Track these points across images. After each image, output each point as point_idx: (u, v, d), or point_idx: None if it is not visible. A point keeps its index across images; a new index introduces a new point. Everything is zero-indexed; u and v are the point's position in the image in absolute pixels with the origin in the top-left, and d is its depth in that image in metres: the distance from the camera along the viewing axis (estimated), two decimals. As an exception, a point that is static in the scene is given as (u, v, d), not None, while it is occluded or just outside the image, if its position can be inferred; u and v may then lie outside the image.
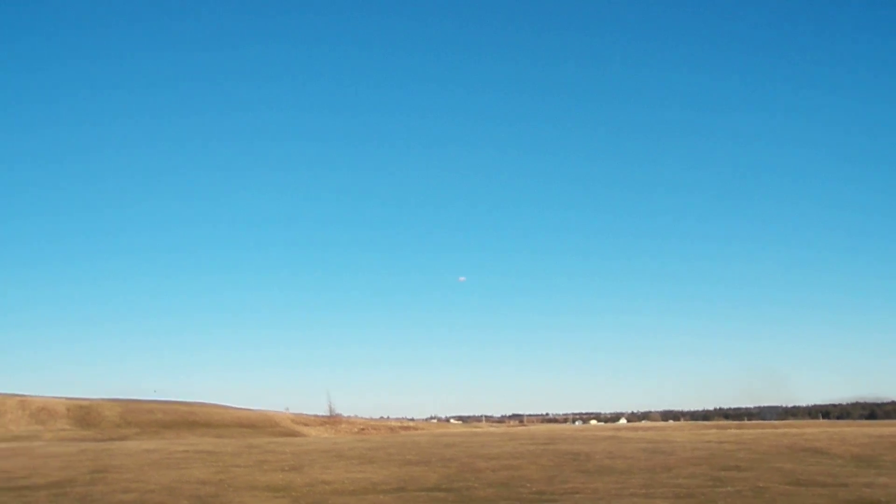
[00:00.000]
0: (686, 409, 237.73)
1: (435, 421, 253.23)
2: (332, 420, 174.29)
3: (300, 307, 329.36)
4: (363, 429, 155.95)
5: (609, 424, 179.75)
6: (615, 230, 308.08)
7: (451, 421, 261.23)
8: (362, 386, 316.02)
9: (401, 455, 37.52)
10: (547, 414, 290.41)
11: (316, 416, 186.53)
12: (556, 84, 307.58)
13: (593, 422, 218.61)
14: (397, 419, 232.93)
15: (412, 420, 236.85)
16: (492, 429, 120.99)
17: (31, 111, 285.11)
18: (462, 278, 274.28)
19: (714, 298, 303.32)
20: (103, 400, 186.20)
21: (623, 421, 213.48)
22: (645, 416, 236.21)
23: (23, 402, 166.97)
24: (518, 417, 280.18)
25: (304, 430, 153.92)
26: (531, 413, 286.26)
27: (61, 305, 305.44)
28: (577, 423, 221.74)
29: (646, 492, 22.17)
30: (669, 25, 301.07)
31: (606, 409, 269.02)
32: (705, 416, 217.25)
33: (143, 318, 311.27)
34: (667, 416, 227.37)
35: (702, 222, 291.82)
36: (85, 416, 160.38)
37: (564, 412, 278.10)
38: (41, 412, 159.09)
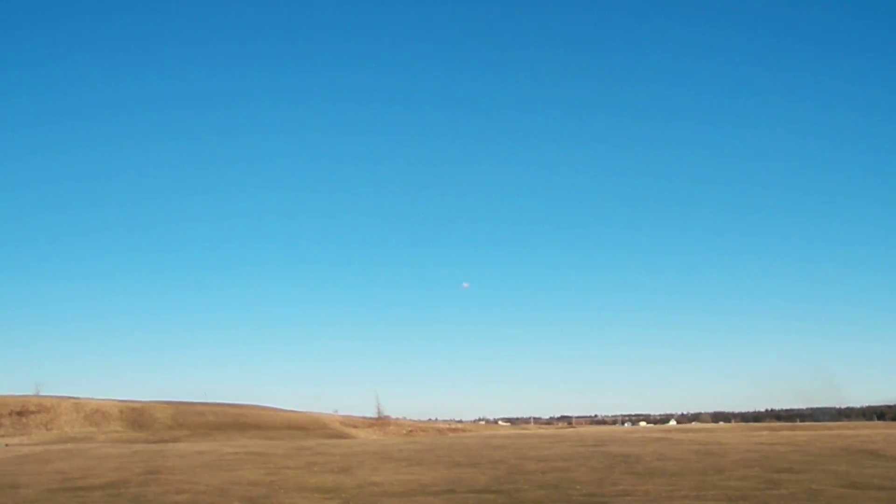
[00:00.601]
0: (736, 410, 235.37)
1: (483, 423, 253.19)
2: (381, 422, 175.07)
3: (349, 310, 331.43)
4: (411, 431, 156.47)
5: (659, 426, 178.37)
6: (668, 226, 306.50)
7: (499, 423, 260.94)
8: (410, 388, 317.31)
9: (449, 457, 37.53)
10: (595, 416, 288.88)
11: (364, 418, 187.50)
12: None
13: (642, 423, 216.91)
14: (445, 421, 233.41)
15: (460, 422, 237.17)
16: (540, 430, 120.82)
17: (80, 110, 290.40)
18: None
19: (766, 298, 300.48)
20: (155, 402, 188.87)
21: (673, 422, 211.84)
22: (695, 417, 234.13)
23: (77, 404, 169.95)
24: (566, 419, 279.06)
25: (353, 431, 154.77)
26: (579, 415, 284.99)
27: (114, 311, 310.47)
28: (626, 424, 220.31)
29: (697, 494, 21.94)
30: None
31: (656, 411, 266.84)
32: (756, 417, 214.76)
33: (194, 322, 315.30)
34: (717, 417, 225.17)
35: (753, 222, 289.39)
36: (137, 418, 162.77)
37: (613, 414, 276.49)
38: (95, 414, 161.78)
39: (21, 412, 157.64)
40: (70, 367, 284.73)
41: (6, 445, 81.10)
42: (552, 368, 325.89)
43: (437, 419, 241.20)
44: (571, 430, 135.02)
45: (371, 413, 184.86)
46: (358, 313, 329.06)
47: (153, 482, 28.95)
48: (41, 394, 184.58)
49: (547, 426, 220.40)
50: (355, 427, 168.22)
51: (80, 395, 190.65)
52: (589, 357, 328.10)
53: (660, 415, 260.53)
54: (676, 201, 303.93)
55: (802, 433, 70.55)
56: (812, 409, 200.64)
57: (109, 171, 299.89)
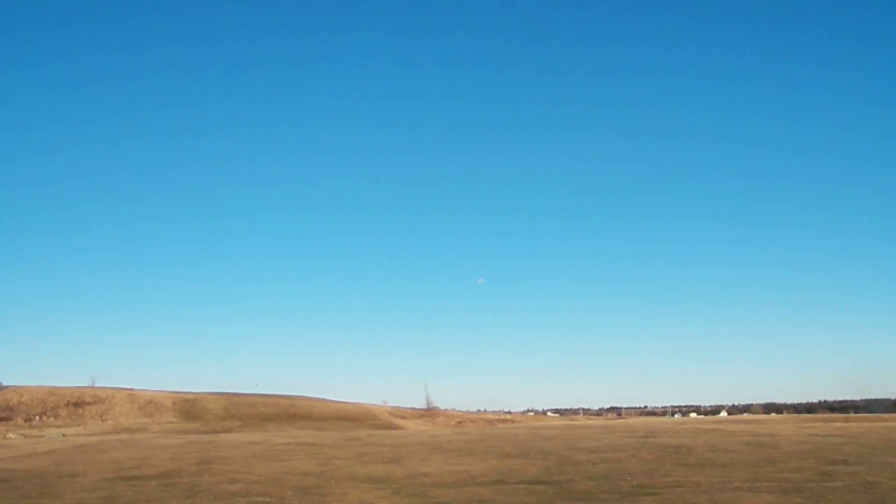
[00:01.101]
0: (789, 401, 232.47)
1: (532, 414, 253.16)
2: (430, 413, 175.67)
3: (397, 301, 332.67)
4: (460, 422, 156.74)
5: (709, 417, 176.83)
6: (719, 217, 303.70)
7: (548, 414, 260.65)
8: (459, 379, 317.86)
9: (499, 448, 37.59)
10: (645, 407, 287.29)
11: (413, 409, 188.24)
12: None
13: (693, 415, 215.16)
14: (494, 412, 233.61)
15: (509, 413, 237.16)
16: (589, 422, 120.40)
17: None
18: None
19: (818, 288, 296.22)
20: (207, 394, 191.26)
21: (723, 414, 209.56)
22: (746, 408, 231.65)
23: (131, 395, 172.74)
24: (616, 410, 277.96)
25: (402, 422, 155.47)
26: (629, 406, 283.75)
27: (167, 303, 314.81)
28: (676, 415, 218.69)
29: (750, 486, 21.74)
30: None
31: (706, 402, 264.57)
32: (809, 408, 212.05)
33: (245, 314, 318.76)
34: (769, 408, 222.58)
35: (808, 212, 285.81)
36: (190, 409, 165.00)
37: (663, 405, 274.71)
38: (149, 405, 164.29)
39: (77, 403, 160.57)
40: (124, 358, 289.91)
41: (63, 436, 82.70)
42: (601, 359, 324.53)
43: (485, 410, 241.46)
44: (621, 420, 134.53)
45: (420, 404, 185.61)
46: (406, 304, 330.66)
47: (206, 472, 29.36)
48: (96, 385, 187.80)
49: (596, 417, 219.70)
50: (404, 418, 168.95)
51: (134, 387, 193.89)
52: (639, 348, 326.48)
53: (710, 406, 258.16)
54: (725, 192, 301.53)
55: (857, 425, 69.55)
56: (866, 400, 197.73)
57: (151, 166, 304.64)
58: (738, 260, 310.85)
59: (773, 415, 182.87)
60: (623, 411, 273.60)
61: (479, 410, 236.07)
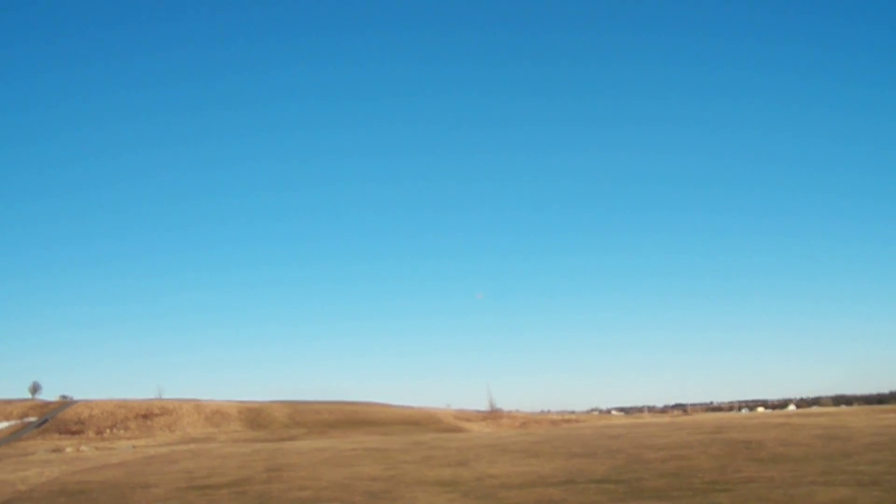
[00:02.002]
0: (859, 392, 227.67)
1: (596, 413, 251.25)
2: (494, 415, 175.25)
3: (459, 306, 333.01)
4: (525, 423, 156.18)
5: (778, 411, 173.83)
6: (789, 210, 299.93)
7: (613, 412, 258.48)
8: (522, 380, 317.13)
9: (566, 448, 37.38)
10: (711, 402, 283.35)
11: (477, 411, 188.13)
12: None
13: (760, 409, 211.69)
14: (558, 412, 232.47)
15: (573, 412, 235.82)
16: (655, 419, 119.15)
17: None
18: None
19: (885, 277, 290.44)
20: (272, 402, 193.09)
21: (792, 407, 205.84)
22: (815, 401, 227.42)
23: (198, 406, 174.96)
24: (681, 407, 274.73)
25: (467, 425, 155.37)
26: (694, 402, 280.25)
27: (230, 316, 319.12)
28: (743, 410, 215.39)
29: (825, 480, 21.30)
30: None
31: (773, 396, 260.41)
32: (880, 399, 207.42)
33: (308, 323, 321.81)
34: (838, 400, 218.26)
35: (868, 209, 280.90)
36: (255, 417, 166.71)
37: (729, 400, 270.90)
38: (215, 415, 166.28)
39: (146, 415, 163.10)
40: (190, 370, 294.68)
41: (133, 447, 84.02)
42: (665, 356, 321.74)
43: (549, 410, 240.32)
44: (688, 417, 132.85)
45: (483, 406, 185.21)
46: (467, 309, 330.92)
47: (276, 479, 29.60)
48: (163, 397, 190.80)
49: (661, 414, 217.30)
50: (468, 420, 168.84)
51: (200, 397, 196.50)
52: (702, 344, 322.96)
53: (777, 400, 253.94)
54: (802, 185, 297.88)
55: (932, 414, 67.97)
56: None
57: (212, 183, 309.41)
58: (805, 253, 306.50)
59: (844, 407, 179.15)
60: (689, 408, 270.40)
61: (542, 411, 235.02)
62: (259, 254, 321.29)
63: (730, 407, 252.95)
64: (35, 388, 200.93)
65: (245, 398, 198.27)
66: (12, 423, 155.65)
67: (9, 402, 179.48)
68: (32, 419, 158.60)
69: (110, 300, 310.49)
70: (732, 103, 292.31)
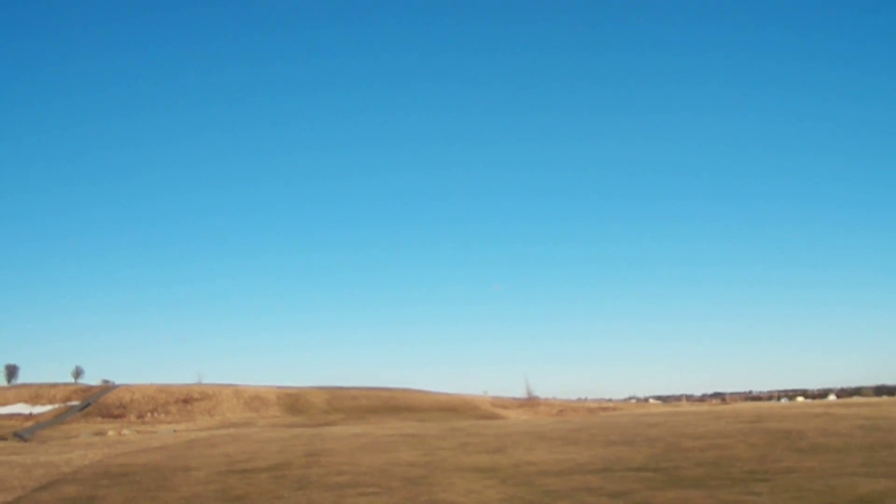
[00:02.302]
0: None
1: (634, 401, 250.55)
2: (531, 402, 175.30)
3: (497, 294, 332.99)
4: (562, 410, 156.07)
5: (818, 401, 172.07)
6: (826, 201, 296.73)
7: (651, 401, 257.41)
8: (559, 368, 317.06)
9: (603, 435, 37.30)
10: (750, 391, 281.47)
11: (514, 398, 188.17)
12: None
13: (800, 399, 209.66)
14: (595, 400, 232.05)
15: (610, 400, 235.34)
16: (693, 408, 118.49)
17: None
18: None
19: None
20: (310, 388, 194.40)
21: (832, 397, 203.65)
22: (856, 391, 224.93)
23: (237, 391, 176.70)
24: (720, 395, 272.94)
25: (504, 412, 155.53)
26: (733, 391, 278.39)
27: (268, 301, 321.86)
28: (782, 400, 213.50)
29: (866, 471, 21.10)
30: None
31: (813, 386, 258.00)
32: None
33: (346, 310, 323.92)
34: (880, 391, 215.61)
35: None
36: (294, 403, 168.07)
37: (768, 389, 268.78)
38: (254, 400, 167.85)
39: (186, 400, 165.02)
40: (229, 356, 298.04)
41: (174, 431, 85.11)
42: (703, 345, 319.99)
43: (587, 398, 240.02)
44: (726, 406, 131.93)
45: (521, 394, 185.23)
46: (505, 297, 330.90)
47: (315, 464, 29.85)
48: (203, 382, 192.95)
49: (700, 403, 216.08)
50: (505, 408, 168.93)
51: (239, 383, 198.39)
52: (741, 333, 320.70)
53: (818, 389, 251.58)
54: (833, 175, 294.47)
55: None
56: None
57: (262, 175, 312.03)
58: (848, 241, 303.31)
59: (885, 397, 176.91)
60: (727, 397, 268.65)
61: (579, 399, 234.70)
62: (300, 240, 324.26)
63: (769, 396, 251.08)
64: (78, 373, 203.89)
65: (283, 384, 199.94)
66: (56, 406, 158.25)
67: (53, 386, 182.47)
68: (75, 403, 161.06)
69: (152, 287, 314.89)
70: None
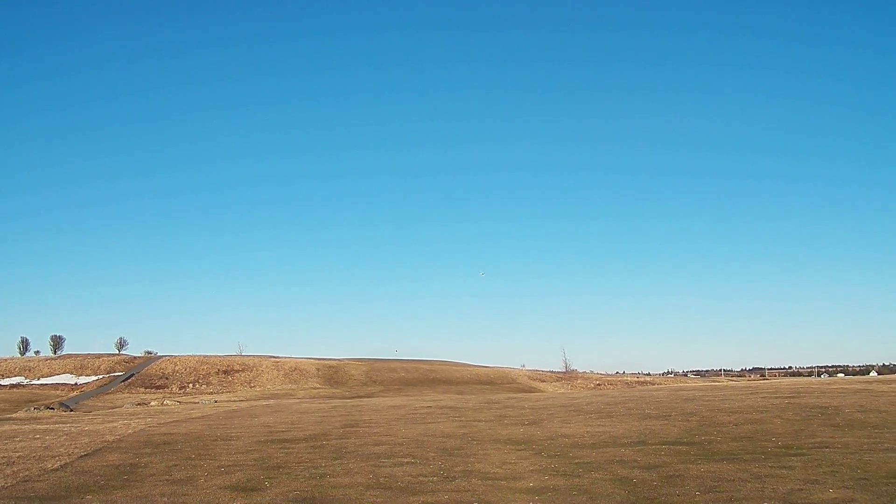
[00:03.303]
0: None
1: (671, 376, 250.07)
2: (568, 376, 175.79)
3: (533, 267, 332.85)
4: (599, 384, 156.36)
5: (858, 377, 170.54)
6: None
7: (689, 375, 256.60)
8: (597, 341, 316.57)
9: (639, 409, 37.38)
10: (790, 367, 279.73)
11: (552, 372, 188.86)
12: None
13: (840, 375, 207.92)
14: (633, 374, 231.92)
15: (648, 375, 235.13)
16: (731, 383, 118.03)
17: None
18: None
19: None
20: (349, 360, 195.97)
21: (873, 374, 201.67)
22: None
23: (277, 363, 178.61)
24: (759, 371, 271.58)
25: (541, 385, 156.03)
26: (772, 367, 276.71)
27: (307, 274, 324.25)
28: (822, 376, 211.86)
29: (902, 446, 21.07)
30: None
31: (854, 362, 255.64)
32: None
33: (384, 282, 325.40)
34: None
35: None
36: (333, 375, 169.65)
37: (808, 365, 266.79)
38: (294, 372, 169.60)
39: (227, 371, 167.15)
40: (269, 328, 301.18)
41: (215, 402, 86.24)
42: (743, 320, 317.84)
43: (624, 372, 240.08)
44: (764, 381, 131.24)
45: (558, 367, 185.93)
46: (542, 269, 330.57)
47: (352, 434, 30.30)
48: (244, 354, 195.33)
49: (738, 378, 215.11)
50: (542, 381, 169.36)
51: (279, 355, 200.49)
52: (782, 308, 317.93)
53: (859, 366, 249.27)
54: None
55: None
56: None
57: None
58: (885, 219, 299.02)
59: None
60: (766, 372, 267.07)
61: (617, 373, 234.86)
62: (342, 213, 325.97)
63: (809, 372, 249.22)
64: (121, 344, 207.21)
65: (323, 356, 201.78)
66: (100, 377, 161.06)
67: (97, 356, 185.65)
68: (119, 374, 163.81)
69: (193, 259, 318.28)
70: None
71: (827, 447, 21.17)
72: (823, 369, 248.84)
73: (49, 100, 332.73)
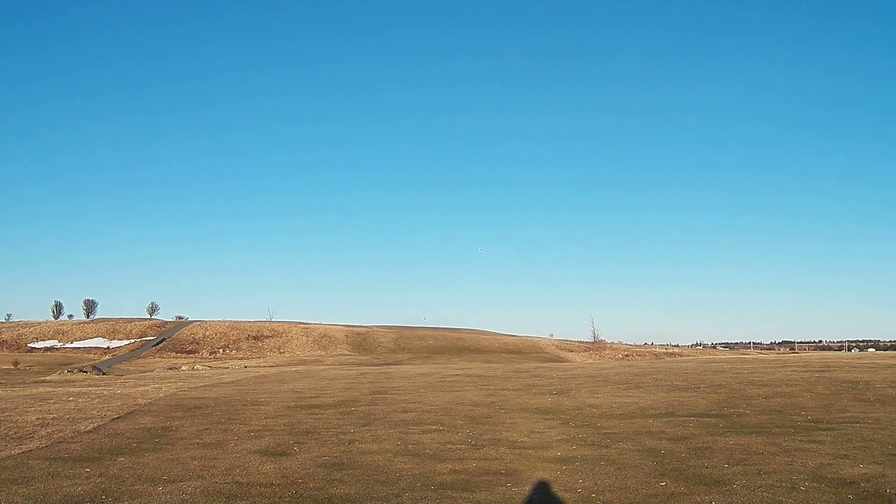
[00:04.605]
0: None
1: (700, 348, 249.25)
2: (596, 346, 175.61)
3: (563, 235, 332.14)
4: (627, 355, 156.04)
5: (890, 352, 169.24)
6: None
7: (718, 348, 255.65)
8: (625, 312, 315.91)
9: (668, 381, 37.31)
10: (820, 341, 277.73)
11: (580, 342, 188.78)
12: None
13: (871, 350, 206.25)
14: (661, 345, 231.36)
15: (677, 346, 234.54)
16: (761, 356, 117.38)
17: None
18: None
19: None
20: (378, 327, 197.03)
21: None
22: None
23: (307, 329, 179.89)
24: (788, 344, 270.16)
25: (569, 355, 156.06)
26: (802, 340, 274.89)
27: (337, 241, 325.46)
28: (853, 350, 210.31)
29: (933, 422, 20.91)
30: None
31: (886, 337, 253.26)
32: None
33: (414, 249, 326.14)
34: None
35: None
36: (362, 342, 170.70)
37: (839, 339, 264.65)
38: (323, 339, 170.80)
39: (257, 336, 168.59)
40: (298, 294, 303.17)
41: (245, 367, 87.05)
42: (773, 292, 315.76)
43: (652, 343, 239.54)
44: (794, 355, 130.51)
45: (586, 337, 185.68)
46: (572, 238, 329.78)
47: (381, 401, 30.48)
48: (274, 320, 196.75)
49: (768, 351, 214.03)
50: (571, 351, 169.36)
51: (309, 321, 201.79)
52: (812, 281, 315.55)
53: (890, 341, 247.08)
54: None
55: None
56: None
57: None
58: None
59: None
60: (796, 346, 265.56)
61: (645, 344, 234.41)
62: (371, 180, 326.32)
63: (839, 346, 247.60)
64: (153, 309, 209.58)
65: (352, 322, 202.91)
66: (132, 341, 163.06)
67: (129, 321, 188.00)
68: (151, 338, 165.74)
69: (224, 225, 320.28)
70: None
71: (857, 422, 21.04)
72: (854, 343, 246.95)
73: (91, 68, 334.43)
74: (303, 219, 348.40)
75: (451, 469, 15.41)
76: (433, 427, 21.86)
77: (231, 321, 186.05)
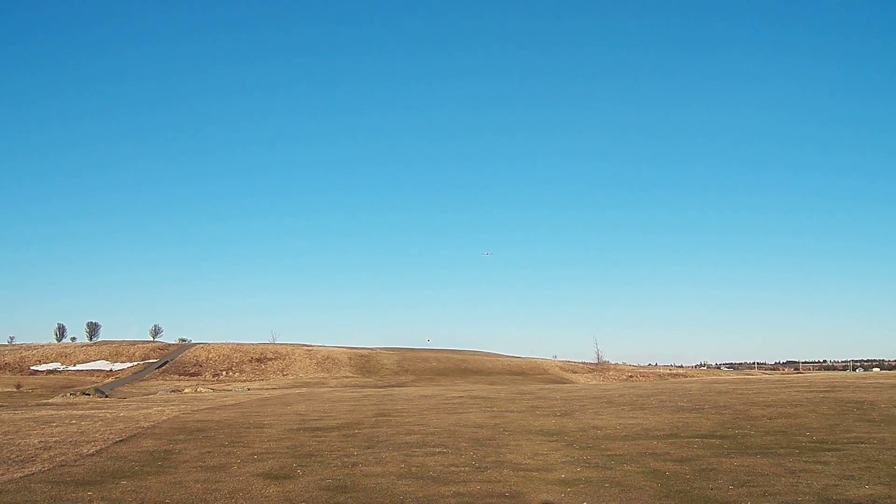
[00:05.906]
0: None
1: (704, 368, 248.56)
2: (600, 367, 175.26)
3: (566, 257, 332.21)
4: (631, 376, 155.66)
5: (894, 372, 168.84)
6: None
7: (722, 368, 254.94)
8: (629, 333, 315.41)
9: (672, 402, 37.19)
10: (824, 361, 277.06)
11: (584, 363, 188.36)
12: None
13: (876, 369, 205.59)
14: (665, 366, 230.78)
15: (681, 367, 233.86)
16: (765, 376, 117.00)
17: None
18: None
19: None
20: (381, 349, 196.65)
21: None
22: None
23: (310, 351, 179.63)
24: (793, 364, 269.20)
25: (572, 377, 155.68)
26: (806, 360, 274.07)
27: (339, 264, 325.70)
28: (857, 370, 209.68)
29: (940, 442, 20.81)
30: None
31: (890, 357, 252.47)
32: None
33: (416, 273, 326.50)
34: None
35: None
36: (365, 364, 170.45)
37: (843, 359, 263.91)
38: (326, 361, 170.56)
39: (260, 359, 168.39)
40: (301, 317, 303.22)
41: (248, 389, 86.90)
42: (777, 313, 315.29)
43: (656, 364, 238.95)
44: (799, 375, 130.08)
45: (590, 358, 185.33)
46: (574, 260, 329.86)
47: (384, 424, 30.40)
48: (277, 342, 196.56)
49: (772, 371, 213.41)
50: (574, 372, 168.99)
51: (312, 343, 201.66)
52: (816, 302, 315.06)
53: (895, 360, 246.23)
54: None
55: None
56: None
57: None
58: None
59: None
60: (800, 365, 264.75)
61: (649, 365, 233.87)
62: (373, 203, 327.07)
63: (843, 366, 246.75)
64: (156, 331, 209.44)
65: (355, 345, 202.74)
66: (135, 364, 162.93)
67: (132, 343, 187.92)
68: (153, 361, 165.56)
69: (227, 248, 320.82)
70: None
71: (862, 442, 20.95)
72: (858, 363, 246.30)
73: (89, 85, 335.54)
74: (307, 242, 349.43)
75: (454, 492, 15.35)
76: (437, 449, 21.80)
77: (234, 343, 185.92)
